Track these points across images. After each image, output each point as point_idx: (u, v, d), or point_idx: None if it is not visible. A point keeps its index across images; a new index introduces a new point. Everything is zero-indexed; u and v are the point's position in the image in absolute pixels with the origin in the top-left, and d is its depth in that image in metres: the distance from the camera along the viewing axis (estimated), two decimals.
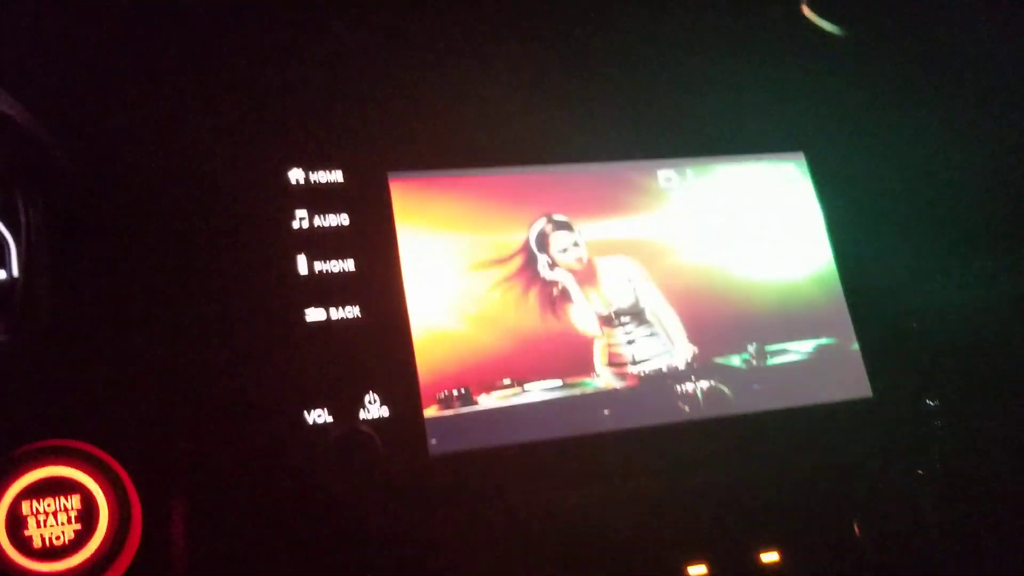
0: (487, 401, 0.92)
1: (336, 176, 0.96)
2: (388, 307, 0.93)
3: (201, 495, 0.82)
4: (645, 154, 1.07)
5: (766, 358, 1.02)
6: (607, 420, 0.95)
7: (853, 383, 1.04)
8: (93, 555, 0.76)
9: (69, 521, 0.77)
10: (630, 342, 0.99)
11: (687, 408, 0.98)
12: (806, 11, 1.07)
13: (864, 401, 1.03)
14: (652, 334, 1.00)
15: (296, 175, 0.95)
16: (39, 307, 0.84)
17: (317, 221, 0.94)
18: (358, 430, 0.86)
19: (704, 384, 0.99)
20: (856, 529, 0.96)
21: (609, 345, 0.99)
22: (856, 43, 1.09)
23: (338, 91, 1.00)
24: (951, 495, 0.99)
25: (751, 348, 1.02)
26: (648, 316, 1.01)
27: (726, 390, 1.00)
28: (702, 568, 0.91)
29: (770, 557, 0.93)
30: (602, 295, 1.01)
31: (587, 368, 0.97)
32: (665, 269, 1.03)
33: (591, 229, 1.02)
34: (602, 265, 1.02)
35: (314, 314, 0.91)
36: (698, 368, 1.00)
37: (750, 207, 1.09)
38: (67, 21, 0.89)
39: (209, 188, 0.91)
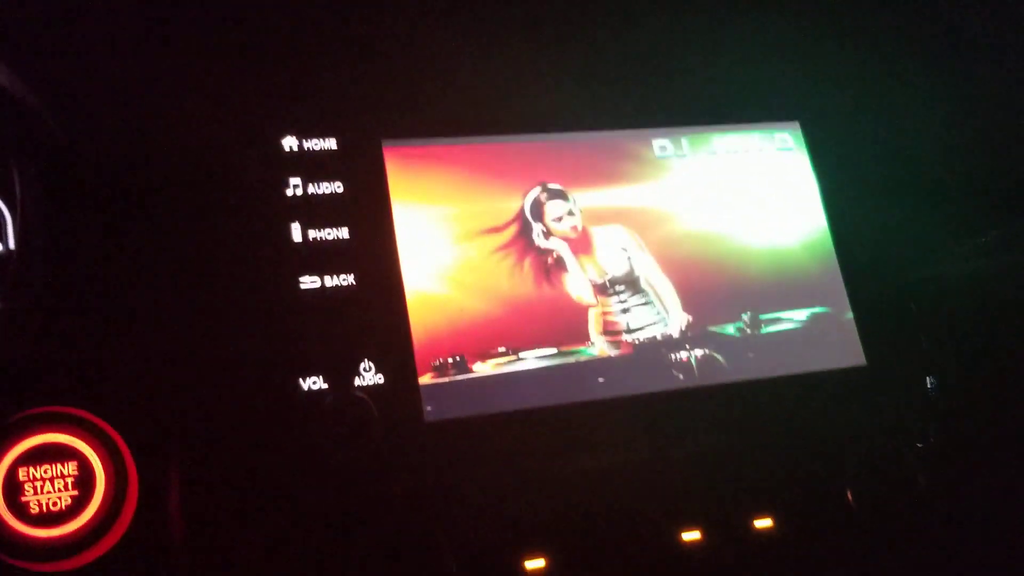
0: (482, 369, 0.92)
1: (330, 143, 0.95)
2: (382, 275, 0.93)
3: (197, 462, 0.83)
4: (640, 123, 1.07)
5: (760, 327, 1.03)
6: (602, 388, 0.95)
7: (847, 351, 1.04)
8: (90, 521, 0.77)
9: (66, 487, 0.77)
10: (625, 311, 1.00)
11: (681, 376, 0.98)
12: None
13: (858, 369, 1.04)
14: (646, 302, 1.01)
15: (290, 142, 0.94)
16: (34, 277, 0.84)
17: (311, 189, 0.93)
18: (353, 397, 0.86)
19: (698, 352, 1.00)
20: (848, 496, 0.97)
21: (604, 313, 0.99)
22: (852, 10, 1.09)
23: (332, 59, 0.99)
24: (943, 462, 1.00)
25: (745, 317, 1.02)
26: (643, 285, 1.01)
27: (720, 358, 1.00)
28: (696, 534, 0.92)
29: (764, 523, 0.94)
30: (597, 264, 1.01)
31: (582, 336, 0.97)
32: (660, 238, 1.03)
33: (586, 198, 1.02)
34: (597, 234, 1.02)
35: (308, 282, 0.91)
36: (692, 336, 1.00)
37: (745, 176, 1.09)
38: None
39: (203, 156, 0.91)
